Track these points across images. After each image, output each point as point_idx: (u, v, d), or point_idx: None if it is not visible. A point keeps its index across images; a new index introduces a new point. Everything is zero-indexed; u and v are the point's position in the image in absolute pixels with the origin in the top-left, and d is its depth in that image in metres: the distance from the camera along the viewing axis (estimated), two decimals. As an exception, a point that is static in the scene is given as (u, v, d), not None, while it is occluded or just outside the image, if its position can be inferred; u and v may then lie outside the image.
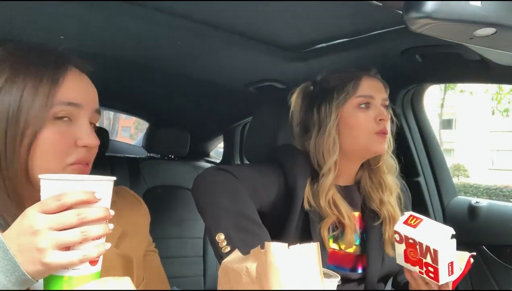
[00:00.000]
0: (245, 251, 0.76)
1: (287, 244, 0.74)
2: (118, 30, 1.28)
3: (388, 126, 1.15)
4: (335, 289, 0.79)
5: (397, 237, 0.96)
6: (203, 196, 1.04)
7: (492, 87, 11.29)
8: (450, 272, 0.91)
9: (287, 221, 1.10)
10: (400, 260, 0.98)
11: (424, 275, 0.93)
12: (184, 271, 2.19)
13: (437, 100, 13.91)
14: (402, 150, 1.33)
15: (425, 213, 1.60)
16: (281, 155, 1.21)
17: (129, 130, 18.83)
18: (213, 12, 1.15)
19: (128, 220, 0.86)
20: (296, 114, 1.24)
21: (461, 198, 1.65)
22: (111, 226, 0.62)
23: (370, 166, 1.22)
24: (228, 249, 0.93)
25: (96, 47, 1.41)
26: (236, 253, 0.83)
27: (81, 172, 0.76)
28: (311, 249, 0.74)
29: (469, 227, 1.53)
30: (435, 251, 0.89)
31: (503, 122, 16.35)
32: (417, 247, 0.92)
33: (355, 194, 1.21)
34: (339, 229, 1.13)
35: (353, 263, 1.16)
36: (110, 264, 0.66)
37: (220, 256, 0.92)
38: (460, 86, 11.74)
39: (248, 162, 1.62)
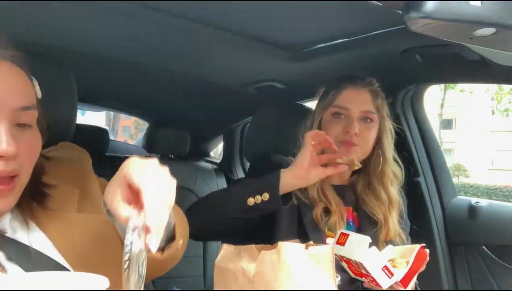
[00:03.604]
0: None
1: (304, 244, 0.74)
2: (117, 30, 1.28)
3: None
4: (336, 289, 0.79)
5: (336, 258, 0.97)
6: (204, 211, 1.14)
7: (492, 87, 11.30)
8: (389, 275, 0.92)
9: (278, 217, 1.15)
10: (352, 275, 1.00)
11: (371, 284, 0.94)
12: (184, 271, 2.19)
13: (437, 100, 13.90)
14: (402, 150, 1.33)
15: (425, 213, 1.60)
16: (261, 166, 1.27)
17: (129, 130, 18.82)
18: (213, 12, 1.15)
19: (81, 179, 0.78)
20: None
21: (461, 198, 1.65)
22: None
23: (365, 172, 1.24)
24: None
25: (96, 47, 1.41)
26: (226, 249, 0.83)
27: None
28: (326, 251, 0.73)
29: (469, 227, 1.53)
30: (361, 263, 0.91)
31: (503, 122, 16.36)
32: (352, 262, 0.94)
33: (347, 192, 1.24)
34: (328, 216, 1.17)
35: None
36: (89, 232, 0.62)
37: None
38: (460, 86, 11.75)
39: (248, 162, 1.62)
